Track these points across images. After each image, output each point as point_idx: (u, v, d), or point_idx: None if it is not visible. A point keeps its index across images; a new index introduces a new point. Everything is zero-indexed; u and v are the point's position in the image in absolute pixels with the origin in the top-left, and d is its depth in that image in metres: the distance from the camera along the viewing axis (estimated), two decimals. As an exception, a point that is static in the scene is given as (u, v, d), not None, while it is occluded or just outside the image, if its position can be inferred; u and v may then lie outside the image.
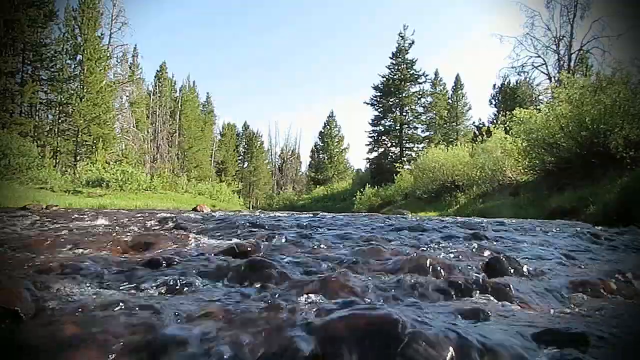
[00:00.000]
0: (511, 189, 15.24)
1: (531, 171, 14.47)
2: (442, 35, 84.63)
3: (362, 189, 32.13)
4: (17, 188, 14.45)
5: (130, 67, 35.57)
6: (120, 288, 1.35)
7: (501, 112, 26.90)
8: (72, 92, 24.75)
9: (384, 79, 39.48)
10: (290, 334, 0.87)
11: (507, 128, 16.27)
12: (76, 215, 5.43)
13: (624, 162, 9.96)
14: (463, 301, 1.32)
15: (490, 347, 0.85)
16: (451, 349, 0.82)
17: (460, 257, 2.13)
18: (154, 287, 1.34)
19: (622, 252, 2.65)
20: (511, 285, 1.43)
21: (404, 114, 39.26)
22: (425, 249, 2.54)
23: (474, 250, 2.35)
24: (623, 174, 7.86)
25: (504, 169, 16.78)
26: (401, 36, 38.93)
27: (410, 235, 3.29)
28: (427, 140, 37.24)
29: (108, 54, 27.68)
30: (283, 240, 2.72)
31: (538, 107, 16.03)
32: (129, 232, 3.07)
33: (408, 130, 39.48)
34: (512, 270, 1.72)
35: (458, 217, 10.04)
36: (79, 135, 24.91)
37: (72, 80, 24.91)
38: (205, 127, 44.94)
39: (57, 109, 25.29)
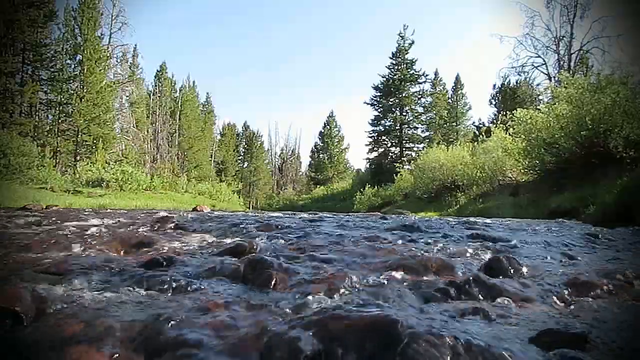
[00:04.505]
0: (511, 189, 15.23)
1: (531, 171, 14.47)
2: (442, 35, 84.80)
3: (362, 189, 32.13)
4: (17, 188, 14.44)
5: (130, 67, 35.57)
6: (120, 288, 1.35)
7: (501, 112, 26.89)
8: (72, 92, 24.74)
9: (384, 79, 39.52)
10: (290, 334, 0.87)
11: (507, 128, 16.27)
12: (76, 215, 5.43)
13: (624, 162, 9.96)
14: (463, 301, 1.32)
15: (490, 347, 0.84)
16: (451, 349, 0.81)
17: (460, 257, 2.13)
18: (154, 287, 1.33)
19: (622, 252, 2.65)
20: (511, 285, 1.43)
21: (404, 114, 39.28)
22: (425, 248, 2.54)
23: (473, 250, 2.35)
24: (623, 174, 7.84)
25: (504, 169, 16.77)
26: (401, 36, 38.96)
27: (410, 235, 3.29)
28: (427, 140, 37.25)
29: (108, 54, 27.66)
30: (283, 240, 2.72)
31: (538, 107, 16.03)
32: (129, 232, 3.06)
33: (408, 130, 39.50)
34: (512, 270, 1.72)
35: (458, 217, 10.04)
36: (79, 135, 24.90)
37: (72, 80, 24.90)
38: (205, 127, 44.92)
39: (57, 109, 25.28)
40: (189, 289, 1.35)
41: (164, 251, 2.22)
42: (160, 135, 36.87)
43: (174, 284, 1.37)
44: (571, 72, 22.32)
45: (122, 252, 2.22)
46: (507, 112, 16.73)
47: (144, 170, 28.98)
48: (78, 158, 24.88)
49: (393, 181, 28.89)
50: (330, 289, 1.30)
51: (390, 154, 39.68)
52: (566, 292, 1.42)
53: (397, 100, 38.91)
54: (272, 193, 52.97)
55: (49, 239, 2.48)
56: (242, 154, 55.18)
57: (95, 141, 24.97)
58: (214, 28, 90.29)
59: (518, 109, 14.82)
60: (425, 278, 1.51)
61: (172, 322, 0.97)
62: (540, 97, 27.53)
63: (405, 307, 1.21)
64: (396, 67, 39.01)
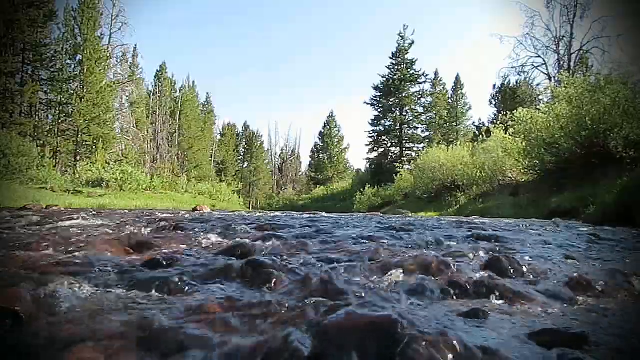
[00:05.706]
0: (511, 189, 15.24)
1: (531, 171, 14.47)
2: (442, 35, 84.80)
3: (362, 189, 32.13)
4: (17, 188, 14.46)
5: (130, 67, 35.60)
6: (120, 288, 1.35)
7: (501, 112, 26.89)
8: (72, 92, 24.77)
9: (384, 79, 39.52)
10: (290, 334, 0.87)
11: (507, 128, 16.28)
12: (76, 215, 5.42)
13: (624, 162, 9.96)
14: (463, 301, 1.32)
15: (490, 347, 0.85)
16: (451, 349, 0.81)
17: (460, 257, 2.13)
18: (154, 287, 1.33)
19: (622, 252, 2.65)
20: (511, 285, 1.43)
21: (404, 114, 39.28)
22: (425, 248, 2.54)
23: (473, 250, 2.35)
24: (623, 174, 7.84)
25: (504, 169, 16.78)
26: (401, 36, 38.96)
27: (410, 235, 3.29)
28: (427, 140, 37.26)
29: (108, 54, 27.69)
30: (282, 241, 2.71)
31: (538, 107, 16.03)
32: (129, 232, 3.06)
33: (408, 130, 39.51)
34: (511, 270, 1.72)
35: (458, 217, 10.04)
36: (79, 135, 24.91)
37: (72, 80, 24.92)
38: (205, 127, 44.95)
39: (57, 109, 25.31)
40: (188, 289, 1.35)
41: (164, 251, 2.22)
42: (160, 135, 36.87)
43: (174, 284, 1.37)
44: (571, 72, 22.33)
45: (122, 252, 2.22)
46: (507, 112, 16.73)
47: (144, 170, 29.01)
48: (78, 158, 24.89)
49: (393, 181, 28.89)
50: (330, 289, 1.30)
51: (390, 154, 39.68)
52: (566, 292, 1.42)
53: (397, 100, 38.90)
54: (272, 193, 52.95)
55: (49, 239, 2.48)
56: (242, 154, 55.17)
57: (95, 141, 24.99)
58: (214, 28, 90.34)
59: (518, 109, 14.83)
60: (425, 278, 1.51)
61: (172, 323, 0.97)
62: (540, 97, 27.58)
63: (405, 307, 1.21)
64: (396, 67, 39.01)
